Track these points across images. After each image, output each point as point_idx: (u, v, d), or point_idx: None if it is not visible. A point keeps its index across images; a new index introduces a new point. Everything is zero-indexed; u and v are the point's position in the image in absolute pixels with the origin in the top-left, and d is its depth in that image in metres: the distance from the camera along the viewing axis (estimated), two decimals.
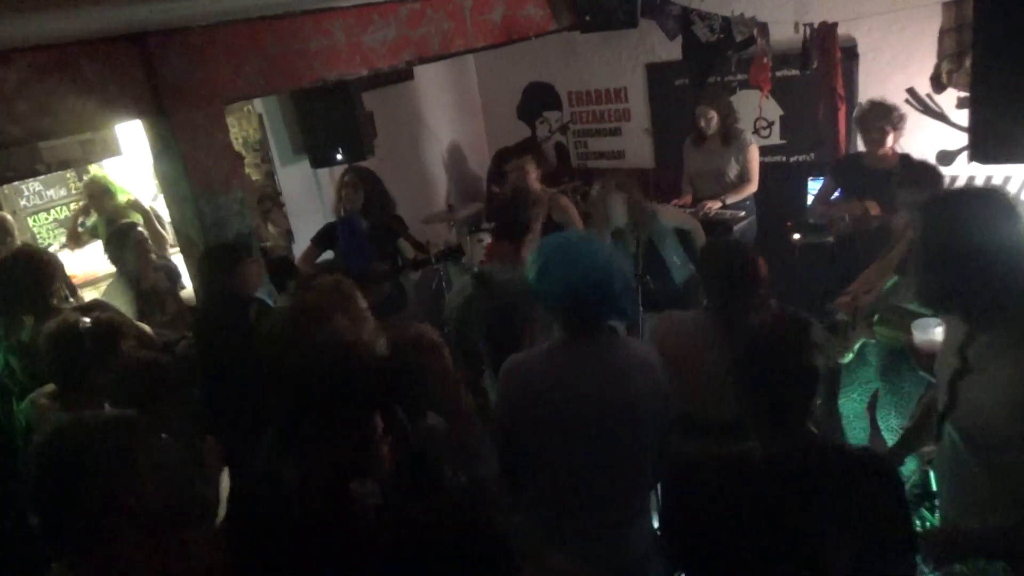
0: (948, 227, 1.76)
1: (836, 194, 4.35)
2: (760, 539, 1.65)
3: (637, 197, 4.04)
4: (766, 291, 2.52)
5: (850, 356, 3.50)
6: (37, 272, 3.13)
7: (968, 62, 3.78)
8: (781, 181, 5.29)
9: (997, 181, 4.73)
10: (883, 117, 3.94)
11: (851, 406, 3.70)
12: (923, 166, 3.57)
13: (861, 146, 4.59)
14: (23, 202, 5.74)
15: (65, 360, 2.55)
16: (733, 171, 5.00)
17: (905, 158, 3.92)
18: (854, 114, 4.07)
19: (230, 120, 4.76)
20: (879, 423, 3.53)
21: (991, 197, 1.80)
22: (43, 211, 5.88)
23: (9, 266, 3.14)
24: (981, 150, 2.95)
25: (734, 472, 1.73)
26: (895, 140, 3.94)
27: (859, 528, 1.63)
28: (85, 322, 2.60)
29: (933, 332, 2.73)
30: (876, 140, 3.98)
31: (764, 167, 5.06)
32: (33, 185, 5.73)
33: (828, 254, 4.31)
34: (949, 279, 1.76)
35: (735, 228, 4.83)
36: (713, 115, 4.93)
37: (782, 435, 1.70)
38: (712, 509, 1.71)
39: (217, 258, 3.15)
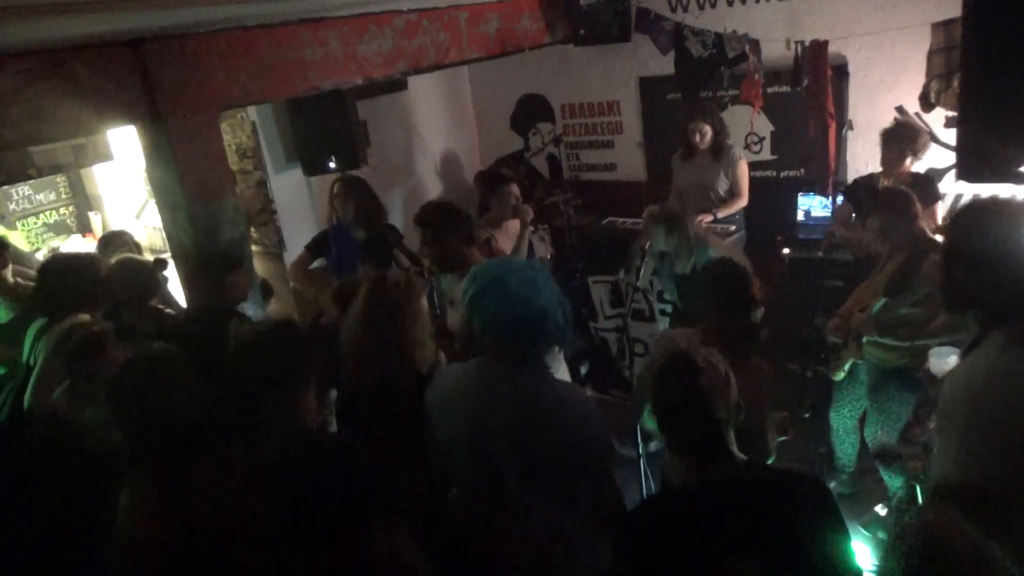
0: (973, 233, 1.85)
1: (853, 216, 4.33)
2: (699, 566, 1.67)
3: (685, 228, 3.84)
4: (750, 309, 2.56)
5: (842, 375, 3.52)
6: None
7: (956, 82, 3.84)
8: (771, 196, 5.32)
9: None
10: (908, 141, 3.93)
11: (841, 421, 3.73)
12: (888, 191, 3.56)
13: (851, 163, 4.65)
14: (12, 206, 5.72)
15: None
16: (723, 186, 5.03)
17: (869, 185, 3.93)
18: (881, 131, 4.05)
19: (223, 127, 4.75)
20: (867, 440, 3.56)
21: (1010, 206, 1.90)
22: (32, 215, 5.85)
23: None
24: (968, 169, 2.98)
25: (670, 506, 1.78)
26: (911, 164, 3.94)
27: (798, 548, 1.64)
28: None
29: (949, 361, 2.75)
30: (892, 160, 3.97)
31: (755, 182, 5.10)
32: (23, 189, 5.71)
33: (817, 269, 4.33)
34: (971, 282, 1.83)
35: (725, 242, 4.85)
36: (707, 130, 4.97)
37: (703, 464, 1.73)
38: (652, 547, 1.74)
39: (206, 267, 3.22)
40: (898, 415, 3.38)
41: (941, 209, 4.00)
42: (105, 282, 3.31)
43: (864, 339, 3.33)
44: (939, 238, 3.51)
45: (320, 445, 1.73)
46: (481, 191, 5.72)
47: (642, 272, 4.00)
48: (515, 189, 4.51)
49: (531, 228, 4.48)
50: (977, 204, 1.98)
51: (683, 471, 1.77)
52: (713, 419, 1.71)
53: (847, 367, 3.46)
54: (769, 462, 2.76)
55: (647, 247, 3.88)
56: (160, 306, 3.63)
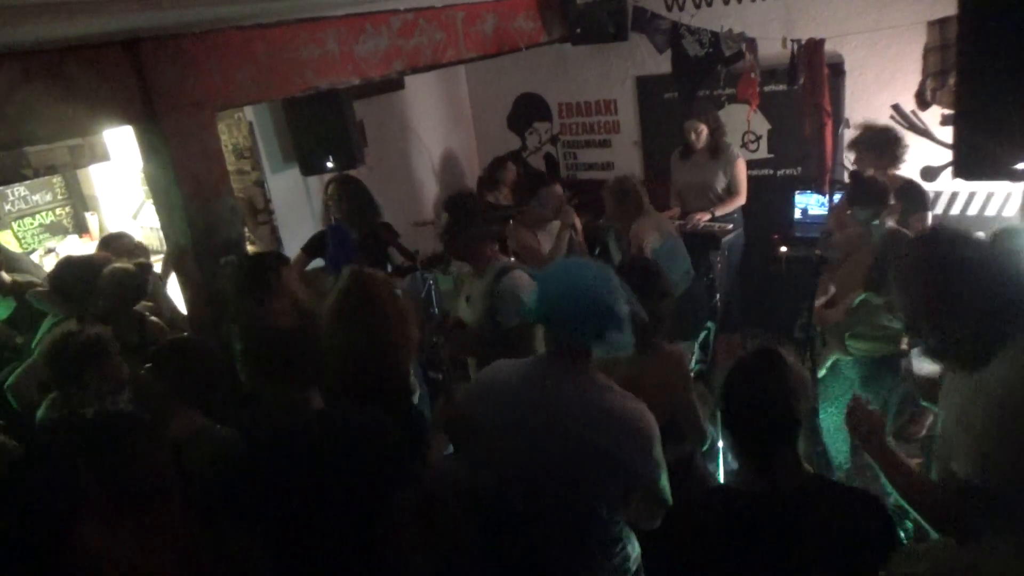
0: (943, 260, 1.75)
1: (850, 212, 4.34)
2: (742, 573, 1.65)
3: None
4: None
5: (823, 372, 3.54)
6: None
7: (952, 80, 3.85)
8: (768, 194, 5.34)
9: (980, 197, 4.80)
10: (885, 148, 3.93)
11: (829, 420, 3.73)
12: (870, 182, 3.59)
13: (847, 162, 4.65)
14: (8, 207, 5.71)
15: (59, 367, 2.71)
16: (721, 184, 5.04)
17: (854, 175, 3.91)
18: (848, 137, 4.09)
19: (220, 127, 4.74)
20: None
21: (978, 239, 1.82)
22: (28, 216, 5.84)
23: None
24: (964, 167, 2.99)
25: (723, 510, 1.73)
26: (881, 168, 3.93)
27: (850, 566, 1.62)
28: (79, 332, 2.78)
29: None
30: (859, 166, 3.99)
31: (752, 180, 5.11)
32: (18, 190, 5.70)
33: (814, 267, 4.34)
34: (944, 309, 1.73)
35: (723, 240, 4.87)
36: (702, 129, 4.97)
37: (767, 471, 1.69)
38: (699, 548, 1.71)
39: (262, 262, 3.18)
40: (893, 402, 3.42)
41: (929, 217, 4.02)
42: (94, 291, 3.35)
43: (847, 334, 3.36)
44: None
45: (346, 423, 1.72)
46: (480, 190, 5.74)
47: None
48: (558, 189, 4.50)
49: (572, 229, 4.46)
50: (945, 231, 1.91)
51: (748, 478, 1.72)
52: (794, 423, 1.67)
53: (828, 363, 3.49)
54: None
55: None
56: (147, 313, 3.63)
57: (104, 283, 3.35)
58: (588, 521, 2.03)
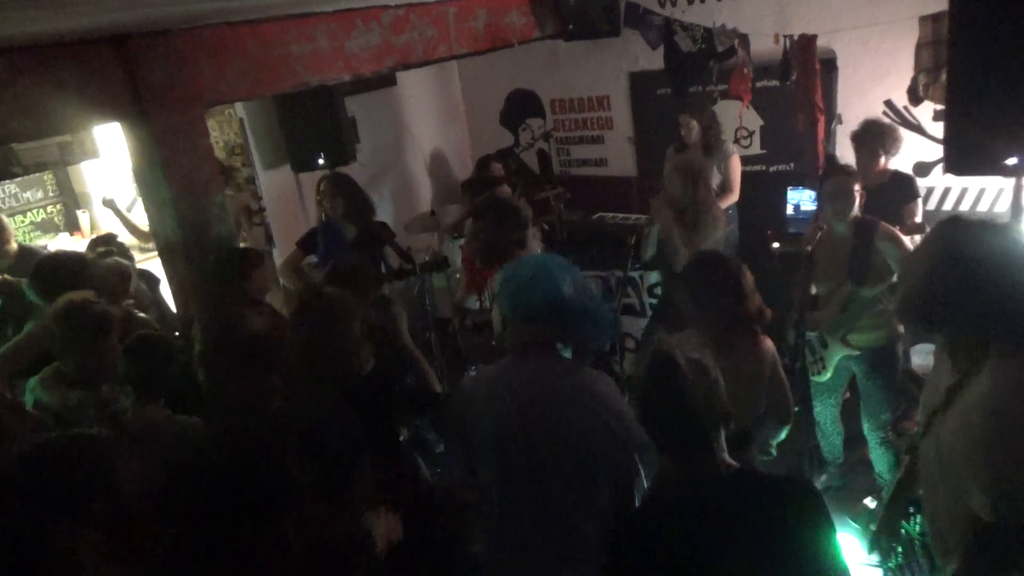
0: (956, 245, 1.71)
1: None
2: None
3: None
4: (750, 303, 2.53)
5: (828, 374, 3.52)
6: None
7: (944, 76, 3.85)
8: (761, 190, 5.34)
9: (972, 193, 4.81)
10: (877, 139, 3.94)
11: (824, 414, 3.74)
12: (841, 168, 3.59)
13: (840, 157, 4.65)
14: None
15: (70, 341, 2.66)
16: (715, 181, 5.03)
17: (830, 161, 3.94)
18: (850, 132, 4.07)
19: (211, 124, 4.72)
20: (867, 424, 3.57)
21: (997, 225, 1.76)
22: (19, 213, 5.81)
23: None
24: (955, 162, 3.00)
25: (655, 514, 1.77)
26: (887, 162, 3.95)
27: (784, 554, 1.63)
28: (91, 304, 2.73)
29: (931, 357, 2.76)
30: (866, 162, 3.98)
31: (744, 176, 5.11)
32: (9, 187, 5.66)
33: (806, 262, 4.34)
34: (942, 296, 1.70)
35: (717, 236, 4.86)
36: (695, 125, 4.97)
37: (692, 470, 1.71)
38: (643, 556, 1.72)
39: (229, 263, 3.25)
40: (897, 385, 3.43)
41: (920, 206, 4.02)
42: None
43: (842, 332, 3.37)
44: (916, 237, 3.54)
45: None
46: (469, 196, 5.72)
47: (649, 243, 3.97)
48: (505, 190, 4.49)
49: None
50: (956, 221, 1.82)
51: (670, 471, 1.76)
52: (696, 421, 1.68)
53: (833, 364, 3.48)
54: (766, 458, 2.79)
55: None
56: (135, 310, 3.62)
57: (95, 276, 3.34)
58: (591, 507, 2.05)
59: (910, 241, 3.42)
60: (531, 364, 2.08)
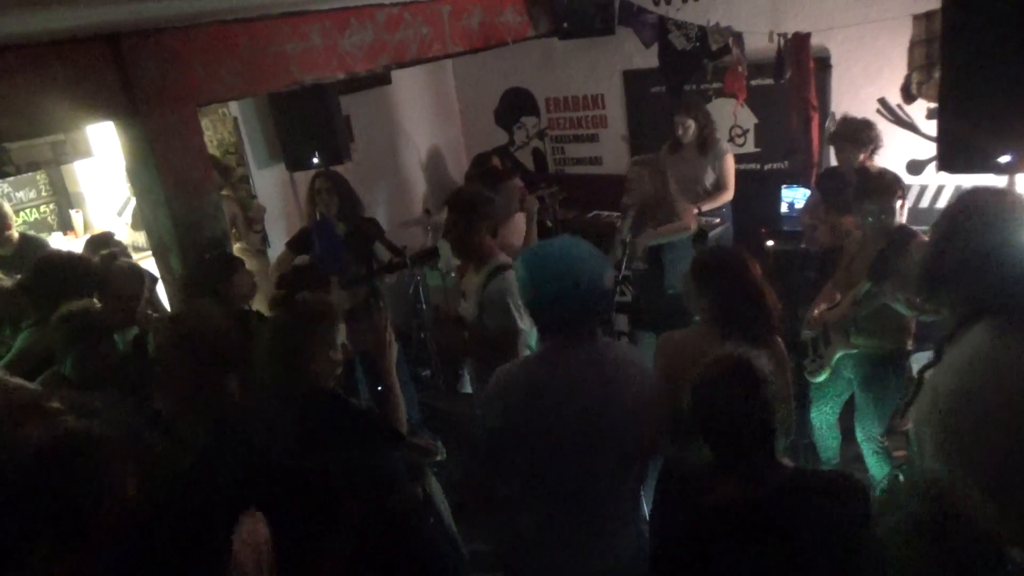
0: (969, 221, 1.77)
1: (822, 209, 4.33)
2: None
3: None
4: (766, 301, 2.46)
5: (826, 373, 3.50)
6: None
7: (937, 74, 3.86)
8: (756, 189, 5.34)
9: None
10: (851, 138, 3.93)
11: (822, 418, 3.72)
12: (880, 174, 3.58)
13: (834, 155, 4.65)
14: None
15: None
16: (709, 179, 5.04)
17: (862, 171, 3.89)
18: (827, 130, 4.08)
19: (205, 123, 4.71)
20: (859, 433, 3.55)
21: (1011, 195, 1.85)
22: (13, 213, 5.78)
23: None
24: (948, 160, 3.01)
25: (715, 522, 1.70)
26: (867, 158, 3.93)
27: (836, 554, 1.62)
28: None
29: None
30: (844, 159, 3.99)
31: (739, 175, 5.11)
32: (2, 186, 5.63)
33: (801, 261, 4.35)
34: (957, 272, 1.76)
35: (711, 234, 4.87)
36: (691, 123, 4.97)
37: (754, 477, 1.67)
38: (694, 558, 1.70)
39: (211, 267, 3.21)
40: (893, 400, 3.37)
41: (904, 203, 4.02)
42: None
43: (851, 329, 3.34)
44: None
45: None
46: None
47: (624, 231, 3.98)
48: (518, 182, 4.49)
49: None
50: (983, 189, 1.90)
51: (724, 484, 1.70)
52: (771, 432, 1.65)
53: (833, 362, 3.46)
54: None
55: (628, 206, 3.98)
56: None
57: (111, 281, 3.32)
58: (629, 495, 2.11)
59: None
60: (575, 350, 2.06)
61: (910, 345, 3.32)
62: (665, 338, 2.60)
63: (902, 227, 3.19)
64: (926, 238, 3.18)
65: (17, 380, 1.90)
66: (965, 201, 1.85)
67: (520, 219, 4.41)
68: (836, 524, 1.63)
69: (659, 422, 2.10)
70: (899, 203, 3.16)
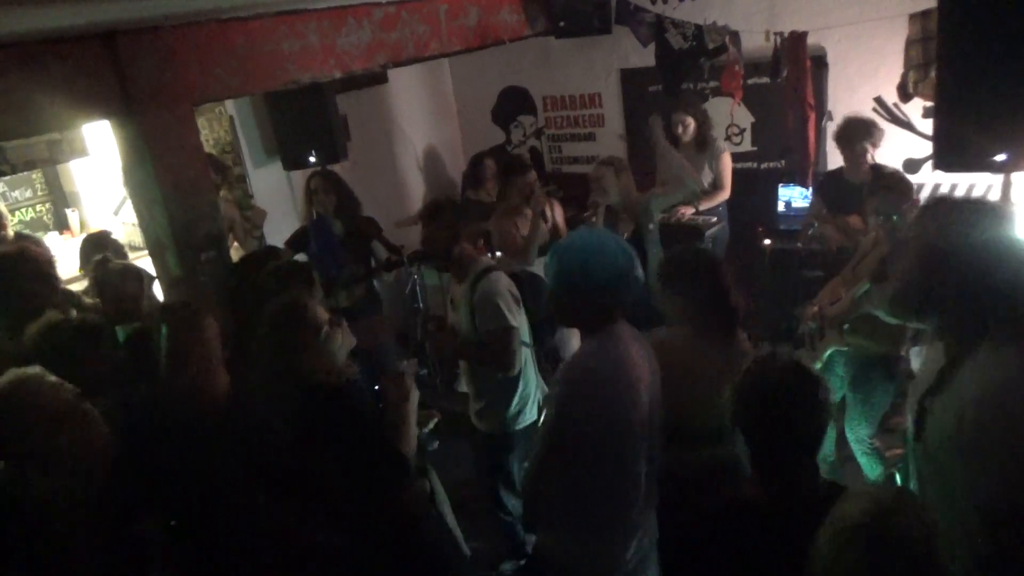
0: (943, 231, 1.67)
1: (824, 212, 4.34)
2: None
3: (629, 183, 4.22)
4: (734, 300, 2.51)
5: (819, 365, 3.52)
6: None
7: (933, 72, 3.86)
8: (752, 187, 5.35)
9: (961, 189, 4.84)
10: (866, 136, 3.94)
11: None
12: (894, 174, 3.59)
13: (830, 154, 4.67)
14: None
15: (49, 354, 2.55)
16: (707, 178, 5.04)
17: (876, 168, 3.94)
18: (833, 132, 4.09)
19: (201, 122, 4.70)
20: (848, 434, 3.57)
21: (987, 207, 1.73)
22: (8, 212, 5.76)
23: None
24: (945, 159, 3.01)
25: (737, 518, 1.69)
26: (873, 156, 3.96)
27: None
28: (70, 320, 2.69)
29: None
30: (855, 158, 3.98)
31: (736, 174, 5.12)
32: None
33: (798, 260, 4.36)
34: (933, 284, 1.67)
35: (707, 233, 4.88)
36: (690, 122, 4.98)
37: (787, 480, 1.66)
38: (715, 557, 1.68)
39: (254, 263, 3.26)
40: (882, 405, 3.40)
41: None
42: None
43: (846, 327, 3.35)
44: None
45: None
46: (466, 183, 5.71)
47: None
48: (531, 177, 4.45)
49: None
50: (950, 200, 1.82)
51: (768, 489, 1.68)
52: (821, 436, 1.64)
53: (825, 356, 3.48)
54: None
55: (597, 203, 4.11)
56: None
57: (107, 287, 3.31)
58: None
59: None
60: (627, 336, 2.12)
61: (904, 351, 3.32)
62: (659, 336, 2.63)
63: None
64: None
65: (52, 379, 1.90)
66: (931, 226, 1.72)
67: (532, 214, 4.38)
68: None
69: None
70: (909, 206, 3.18)
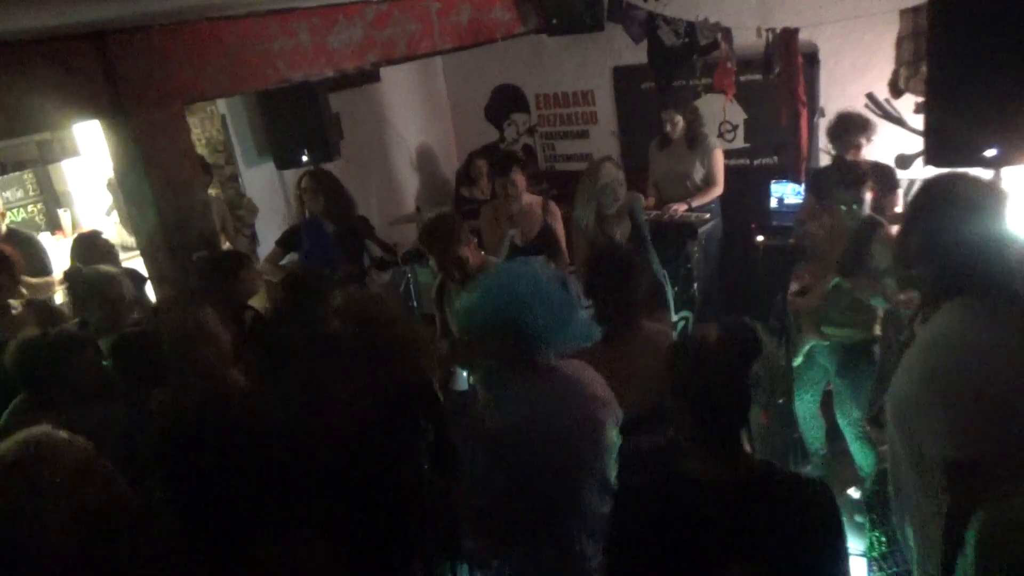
0: (934, 201, 1.83)
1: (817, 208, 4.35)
2: (701, 564, 1.62)
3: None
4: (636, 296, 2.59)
5: (799, 360, 3.56)
6: None
7: (924, 68, 3.88)
8: (745, 184, 5.36)
9: None
10: (861, 131, 3.95)
11: (804, 408, 3.76)
12: (858, 165, 3.63)
13: (823, 150, 4.67)
14: None
15: (28, 371, 2.51)
16: (698, 174, 5.05)
17: (838, 160, 3.96)
18: (826, 128, 4.09)
19: (193, 121, 4.68)
20: (841, 420, 3.60)
21: (984, 184, 1.90)
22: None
23: None
24: (936, 154, 3.03)
25: (675, 497, 1.70)
26: (858, 151, 3.97)
27: (795, 554, 1.61)
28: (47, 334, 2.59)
29: None
30: (853, 153, 4.00)
31: (728, 170, 5.12)
32: None
33: (790, 256, 4.37)
34: (924, 250, 1.81)
35: (700, 230, 4.88)
36: (679, 119, 4.98)
37: (723, 457, 1.66)
38: (654, 536, 1.67)
39: (218, 265, 3.24)
40: (869, 386, 3.46)
41: (900, 197, 4.05)
42: None
43: (822, 320, 3.40)
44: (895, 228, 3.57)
45: None
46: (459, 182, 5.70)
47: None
48: (517, 175, 4.35)
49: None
50: (949, 174, 1.97)
51: (707, 465, 1.68)
52: (748, 409, 1.65)
53: (804, 350, 3.51)
54: None
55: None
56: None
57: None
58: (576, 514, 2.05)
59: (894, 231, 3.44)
60: (523, 380, 2.02)
61: (878, 331, 3.41)
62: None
63: (869, 219, 3.26)
64: (893, 229, 3.27)
65: (63, 436, 1.85)
66: (931, 184, 1.92)
67: (517, 213, 4.26)
68: (795, 523, 1.62)
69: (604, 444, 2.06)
70: (869, 195, 3.26)
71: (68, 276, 3.43)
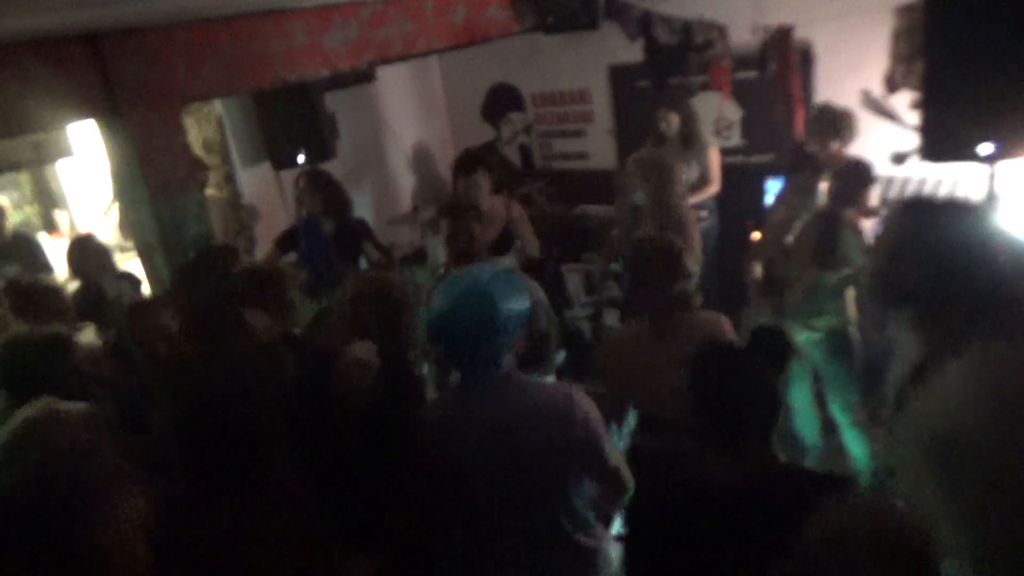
0: (916, 228, 1.69)
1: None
2: (720, 566, 1.61)
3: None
4: (678, 286, 2.55)
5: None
6: None
7: (920, 64, 3.88)
8: (742, 181, 5.36)
9: (948, 181, 4.86)
10: (832, 130, 3.95)
11: (801, 398, 3.78)
12: (815, 155, 3.70)
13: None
14: None
15: (13, 371, 2.46)
16: (694, 173, 5.05)
17: (798, 145, 4.00)
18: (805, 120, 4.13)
19: (189, 122, 4.68)
20: (836, 407, 3.63)
21: (965, 207, 1.73)
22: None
23: None
24: (932, 150, 3.03)
25: (693, 498, 1.67)
26: (842, 145, 3.96)
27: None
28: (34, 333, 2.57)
29: None
30: (820, 148, 4.02)
31: (725, 167, 5.13)
32: None
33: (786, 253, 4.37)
34: (901, 277, 1.69)
35: (697, 228, 4.88)
36: (674, 118, 4.98)
37: (743, 459, 1.64)
38: (672, 536, 1.67)
39: (207, 261, 3.16)
40: (855, 367, 3.52)
41: (876, 191, 4.04)
42: None
43: (806, 315, 3.43)
44: (869, 222, 3.60)
45: None
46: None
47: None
48: (480, 179, 4.36)
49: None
50: (924, 199, 1.84)
51: (717, 466, 1.66)
52: (777, 412, 1.64)
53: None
54: None
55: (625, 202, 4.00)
56: None
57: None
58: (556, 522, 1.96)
59: (868, 224, 3.48)
60: (478, 390, 1.93)
61: (852, 312, 3.48)
62: (605, 335, 2.70)
63: (826, 213, 3.31)
64: (851, 218, 3.30)
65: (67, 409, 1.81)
66: (907, 220, 1.74)
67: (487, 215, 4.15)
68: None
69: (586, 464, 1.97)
70: (823, 184, 3.33)
71: (8, 290, 3.32)
